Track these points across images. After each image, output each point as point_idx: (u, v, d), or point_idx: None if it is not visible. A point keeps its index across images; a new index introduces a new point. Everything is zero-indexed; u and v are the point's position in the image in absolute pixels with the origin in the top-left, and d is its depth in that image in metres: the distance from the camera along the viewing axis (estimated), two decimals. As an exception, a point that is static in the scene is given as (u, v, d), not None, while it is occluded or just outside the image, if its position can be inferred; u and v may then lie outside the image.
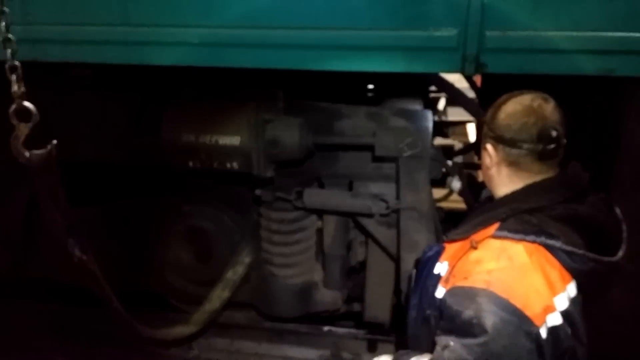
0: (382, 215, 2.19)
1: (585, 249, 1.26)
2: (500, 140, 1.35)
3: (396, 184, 2.14)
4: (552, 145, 1.29)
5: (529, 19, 1.54)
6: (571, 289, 1.27)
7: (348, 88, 2.60)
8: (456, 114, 5.49)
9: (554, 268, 1.24)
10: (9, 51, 1.46)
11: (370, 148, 2.09)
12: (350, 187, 2.30)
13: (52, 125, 1.56)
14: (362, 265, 2.56)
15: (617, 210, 1.40)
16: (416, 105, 2.35)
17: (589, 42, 1.52)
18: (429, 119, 2.15)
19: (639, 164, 1.64)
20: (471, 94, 3.96)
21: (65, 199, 1.57)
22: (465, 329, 1.17)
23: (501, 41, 1.57)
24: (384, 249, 2.32)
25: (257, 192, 2.30)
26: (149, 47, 1.75)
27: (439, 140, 4.97)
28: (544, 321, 1.18)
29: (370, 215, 2.20)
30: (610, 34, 1.51)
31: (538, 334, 1.16)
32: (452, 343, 1.19)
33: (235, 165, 2.05)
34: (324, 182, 2.33)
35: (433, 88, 3.44)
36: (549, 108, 1.33)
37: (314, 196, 2.20)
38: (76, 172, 2.43)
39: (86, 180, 2.47)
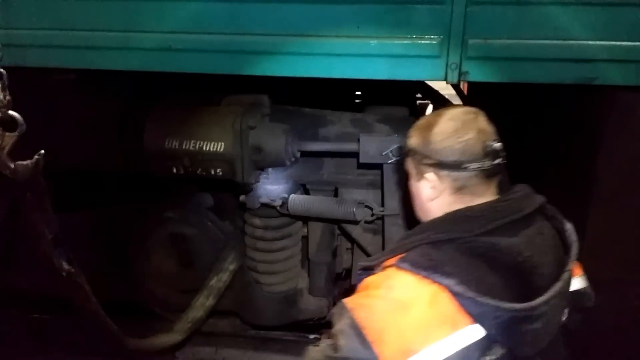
0: (366, 222, 2.19)
1: (503, 289, 1.07)
2: (442, 166, 1.19)
3: (381, 190, 2.14)
4: (499, 160, 1.19)
5: (511, 28, 1.56)
6: (467, 336, 1.05)
7: (336, 94, 2.61)
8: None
9: (448, 311, 1.05)
10: None
11: (355, 155, 2.09)
12: (335, 194, 2.30)
13: (32, 132, 1.53)
14: (348, 272, 2.55)
15: (572, 243, 1.24)
16: (402, 112, 2.36)
17: (570, 50, 1.54)
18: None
19: (619, 172, 1.65)
20: (457, 101, 4.00)
21: (51, 210, 1.53)
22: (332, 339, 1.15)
23: (483, 49, 1.59)
24: (368, 255, 2.32)
25: (242, 198, 2.29)
26: (115, 52, 1.75)
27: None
28: None
29: (355, 222, 2.20)
30: (591, 42, 1.53)
31: None
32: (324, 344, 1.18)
33: (219, 171, 2.03)
34: (309, 188, 2.33)
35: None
36: (483, 120, 1.23)
37: (298, 203, 2.19)
38: (58, 179, 2.42)
39: (68, 186, 2.44)
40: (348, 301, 1.14)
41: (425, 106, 5.39)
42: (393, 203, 2.09)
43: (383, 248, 2.15)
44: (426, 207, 1.27)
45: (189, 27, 1.69)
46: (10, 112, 1.37)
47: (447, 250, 1.10)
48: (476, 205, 1.18)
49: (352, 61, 1.66)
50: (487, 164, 1.17)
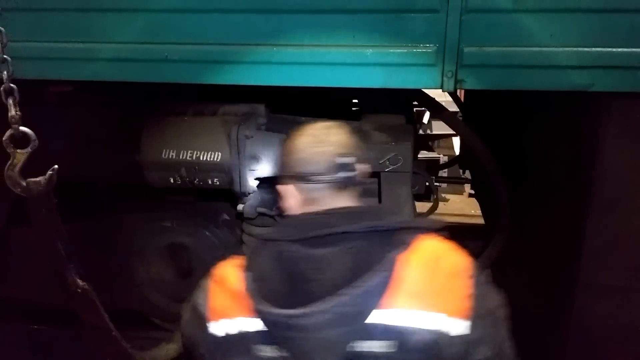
0: (364, 230, 2.18)
1: (287, 297, 1.11)
2: (295, 178, 1.23)
3: (378, 199, 2.13)
4: (349, 173, 1.21)
5: (506, 35, 1.57)
6: (248, 324, 1.14)
7: (333, 103, 2.61)
8: (441, 127, 5.53)
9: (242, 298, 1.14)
10: (5, 73, 1.35)
11: (352, 163, 2.07)
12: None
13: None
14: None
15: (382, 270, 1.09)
16: (399, 120, 2.35)
17: (566, 57, 1.54)
18: (411, 133, 2.15)
19: (617, 180, 1.65)
20: (454, 108, 4.00)
21: (62, 226, 1.50)
22: None
23: (479, 57, 1.59)
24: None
25: (239, 207, 2.28)
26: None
27: (424, 154, 5.01)
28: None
29: (352, 231, 2.19)
30: (587, 49, 1.53)
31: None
32: None
33: (216, 181, 2.03)
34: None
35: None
36: (338, 134, 1.25)
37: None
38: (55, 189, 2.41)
39: (65, 197, 2.43)
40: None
41: (422, 114, 5.42)
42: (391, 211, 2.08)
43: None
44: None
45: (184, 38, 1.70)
46: (22, 127, 1.34)
47: (268, 247, 1.18)
48: (296, 215, 1.23)
49: (348, 70, 1.67)
50: (336, 176, 1.19)
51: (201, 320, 1.20)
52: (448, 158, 5.18)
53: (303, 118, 2.28)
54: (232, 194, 2.15)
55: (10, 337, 2.78)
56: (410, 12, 1.59)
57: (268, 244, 1.19)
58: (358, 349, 1.07)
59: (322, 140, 1.23)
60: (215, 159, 1.98)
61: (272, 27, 1.66)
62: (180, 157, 2.00)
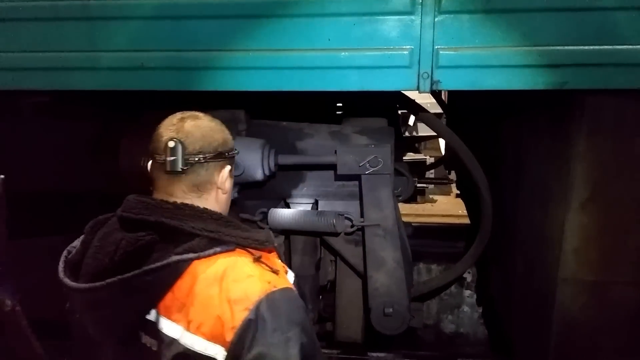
0: (347, 233, 2.19)
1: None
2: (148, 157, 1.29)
3: (360, 201, 2.14)
4: (172, 158, 1.19)
5: (481, 36, 1.58)
6: None
7: (316, 107, 2.61)
8: (427, 128, 5.55)
9: None
10: None
11: (333, 167, 2.08)
12: (316, 206, 2.29)
13: (7, 155, 1.52)
14: (333, 284, 2.54)
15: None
16: (380, 123, 2.36)
17: (539, 56, 1.56)
18: (392, 136, 2.16)
19: (593, 176, 1.67)
20: (437, 109, 4.03)
21: (4, 240, 1.47)
22: None
23: (454, 58, 1.60)
24: (352, 267, 2.31)
25: (222, 214, 2.27)
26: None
27: (410, 155, 5.03)
28: None
29: (335, 234, 2.19)
30: (560, 47, 1.55)
31: None
32: None
33: (197, 188, 2.02)
34: (289, 202, 2.31)
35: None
36: (190, 124, 1.24)
37: (278, 216, 2.18)
38: (37, 201, 2.39)
39: (48, 209, 2.41)
40: None
41: (408, 116, 5.44)
42: (372, 214, 2.09)
43: (364, 259, 2.14)
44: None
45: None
46: None
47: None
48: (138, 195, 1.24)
49: (323, 74, 1.67)
50: (161, 158, 1.20)
51: None
52: (435, 159, 5.21)
53: (284, 123, 2.29)
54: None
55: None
56: (384, 15, 1.61)
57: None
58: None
59: (165, 125, 1.25)
60: (195, 166, 1.96)
61: (247, 33, 1.66)
62: (160, 164, 1.98)
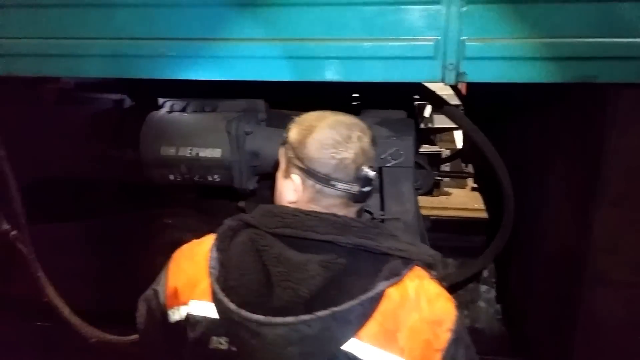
0: (366, 226, 2.16)
1: (251, 292, 1.04)
2: (310, 175, 1.12)
3: (380, 194, 2.11)
4: (368, 188, 1.13)
5: (509, 27, 1.54)
6: (206, 309, 1.09)
7: (333, 97, 2.58)
8: (443, 120, 5.49)
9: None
10: None
11: (353, 158, 2.05)
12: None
13: (29, 141, 1.51)
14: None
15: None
16: (399, 115, 2.33)
17: (570, 49, 1.51)
18: (413, 128, 2.13)
19: (625, 172, 1.62)
20: (455, 101, 3.97)
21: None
22: None
23: (481, 50, 1.56)
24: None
25: (240, 204, 2.26)
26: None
27: (425, 148, 4.97)
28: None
29: (354, 227, 2.17)
30: (591, 40, 1.50)
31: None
32: None
33: (216, 177, 2.01)
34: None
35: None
36: (367, 141, 1.16)
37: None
38: (57, 188, 2.40)
39: (65, 196, 2.42)
40: None
41: (423, 107, 5.38)
42: (393, 207, 2.06)
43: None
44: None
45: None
46: None
47: (242, 232, 1.13)
48: (286, 207, 1.14)
49: (345, 64, 1.64)
50: (355, 188, 1.12)
51: (159, 307, 1.20)
52: (450, 152, 5.15)
53: (303, 113, 2.26)
54: (232, 190, 2.13)
55: (17, 334, 2.79)
56: (409, 4, 1.57)
57: (246, 228, 1.13)
58: None
59: (351, 146, 1.12)
60: (215, 155, 1.96)
61: (268, 21, 1.64)
62: (180, 153, 1.98)
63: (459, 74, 1.59)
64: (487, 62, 1.57)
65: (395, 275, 1.03)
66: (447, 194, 5.64)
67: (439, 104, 2.22)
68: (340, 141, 1.11)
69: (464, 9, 1.54)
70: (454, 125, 5.62)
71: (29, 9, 1.73)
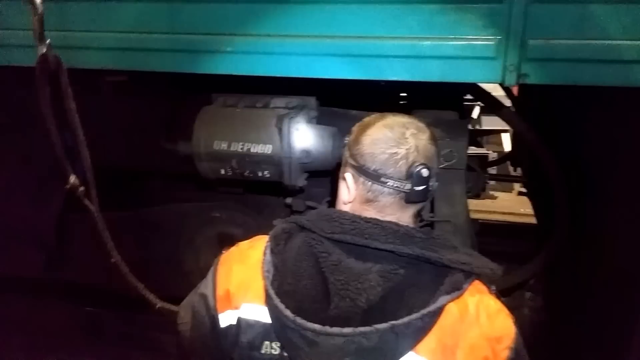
0: (415, 227, 2.14)
1: (308, 297, 1.02)
2: (361, 172, 1.10)
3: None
4: (422, 187, 1.07)
5: (575, 27, 1.48)
6: (259, 313, 1.08)
7: (381, 96, 2.56)
8: (490, 122, 5.38)
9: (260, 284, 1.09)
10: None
11: (404, 158, 2.02)
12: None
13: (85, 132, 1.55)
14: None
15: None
16: (451, 115, 2.29)
17: (636, 52, 1.44)
18: (466, 129, 2.09)
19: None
20: (507, 102, 3.87)
21: (76, 119, 1.37)
22: None
23: (545, 50, 1.51)
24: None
25: (288, 200, 2.27)
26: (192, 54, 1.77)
27: (472, 150, 4.88)
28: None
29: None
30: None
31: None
32: None
33: (266, 173, 2.03)
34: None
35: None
36: (425, 141, 1.10)
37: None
38: (108, 177, 2.47)
39: (117, 185, 2.49)
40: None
41: (471, 108, 5.28)
42: (444, 209, 2.03)
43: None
44: (339, 208, 1.18)
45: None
46: None
47: (297, 235, 1.11)
48: (345, 212, 1.11)
49: (403, 63, 1.61)
50: (406, 186, 1.06)
51: (208, 312, 1.15)
52: (498, 154, 5.04)
53: (354, 112, 2.25)
54: (281, 187, 2.14)
55: (69, 319, 2.89)
56: (472, 3, 1.53)
57: (301, 232, 1.11)
58: None
59: (405, 143, 1.08)
60: (266, 151, 1.97)
61: (332, 19, 1.63)
62: (232, 148, 2.00)
63: (520, 75, 1.54)
64: (551, 64, 1.51)
65: (457, 290, 1.00)
66: (493, 197, 5.54)
67: (494, 106, 2.17)
68: (392, 137, 1.08)
69: (529, 8, 1.48)
70: (502, 128, 5.51)
71: (95, 2, 1.78)
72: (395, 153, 1.07)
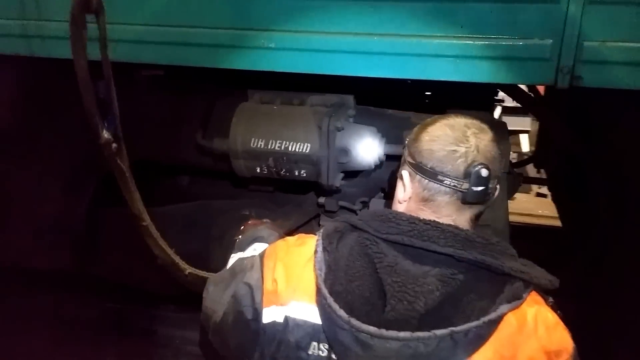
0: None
1: (361, 299, 1.00)
2: (417, 169, 1.09)
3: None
4: (480, 188, 1.04)
5: (632, 30, 1.44)
6: (308, 312, 1.05)
7: (409, 95, 2.53)
8: (510, 123, 5.33)
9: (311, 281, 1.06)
10: None
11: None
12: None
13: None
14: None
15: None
16: (486, 116, 2.25)
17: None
18: (506, 130, 2.05)
19: None
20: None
21: (110, 71, 1.30)
22: None
23: (600, 53, 1.47)
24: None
25: (321, 200, 2.25)
26: (225, 49, 1.74)
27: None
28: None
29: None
30: None
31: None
32: None
33: (303, 173, 2.00)
34: (389, 193, 2.26)
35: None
36: (486, 141, 1.08)
37: (379, 207, 2.13)
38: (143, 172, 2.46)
39: (151, 180, 2.47)
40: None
41: (493, 108, 5.23)
42: (484, 213, 1.99)
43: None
44: (395, 208, 1.17)
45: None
46: None
47: (349, 235, 1.09)
48: (402, 213, 1.09)
49: (452, 63, 1.58)
50: (464, 186, 1.04)
51: (252, 304, 1.11)
52: (517, 155, 5.00)
53: (390, 111, 2.22)
54: (314, 186, 2.12)
55: (96, 313, 2.89)
56: (526, 3, 1.50)
57: (353, 231, 1.09)
58: None
59: (465, 141, 1.06)
60: (304, 150, 1.94)
61: (375, 16, 1.60)
62: (269, 146, 1.97)
63: (573, 78, 1.51)
64: (607, 67, 1.48)
65: (517, 299, 0.97)
66: (511, 198, 5.49)
67: (530, 104, 2.13)
68: (452, 135, 1.07)
69: (586, 8, 1.45)
70: (521, 128, 5.46)
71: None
72: (454, 151, 1.05)
